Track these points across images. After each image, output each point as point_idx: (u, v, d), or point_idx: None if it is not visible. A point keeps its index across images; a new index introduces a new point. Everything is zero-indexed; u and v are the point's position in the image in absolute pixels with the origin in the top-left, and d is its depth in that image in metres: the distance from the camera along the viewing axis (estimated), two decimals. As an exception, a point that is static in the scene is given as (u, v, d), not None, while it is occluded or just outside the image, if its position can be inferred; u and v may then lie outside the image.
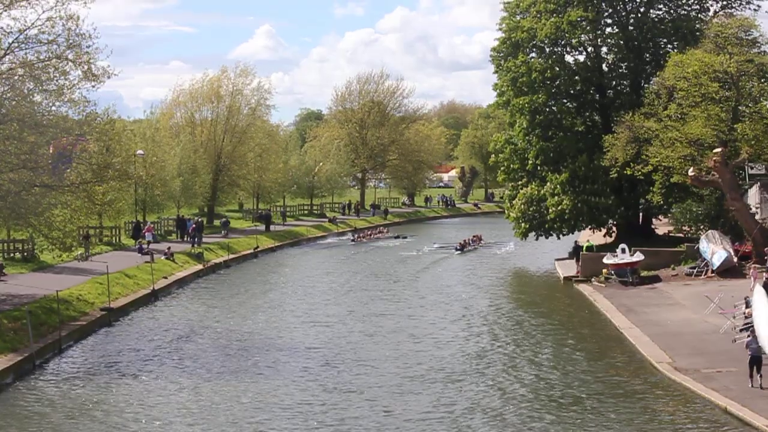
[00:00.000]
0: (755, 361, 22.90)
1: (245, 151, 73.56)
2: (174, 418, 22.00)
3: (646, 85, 52.29)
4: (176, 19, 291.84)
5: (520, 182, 54.23)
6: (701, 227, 46.75)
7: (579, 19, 51.10)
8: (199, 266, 49.18)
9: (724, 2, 52.35)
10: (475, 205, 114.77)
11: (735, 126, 41.87)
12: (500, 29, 54.95)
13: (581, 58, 54.65)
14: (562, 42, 52.81)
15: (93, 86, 33.03)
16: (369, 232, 74.28)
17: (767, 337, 23.47)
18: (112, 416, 22.17)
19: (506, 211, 56.12)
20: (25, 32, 31.77)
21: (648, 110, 44.95)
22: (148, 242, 50.98)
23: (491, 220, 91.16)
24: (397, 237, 72.43)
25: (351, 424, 21.40)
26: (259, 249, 59.98)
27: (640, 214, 54.88)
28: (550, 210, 51.05)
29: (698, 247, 42.41)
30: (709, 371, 24.60)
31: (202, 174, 68.06)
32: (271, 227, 69.48)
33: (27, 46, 32.17)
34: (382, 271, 51.32)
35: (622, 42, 53.54)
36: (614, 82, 55.05)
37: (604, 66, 54.85)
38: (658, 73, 47.58)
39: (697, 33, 48.06)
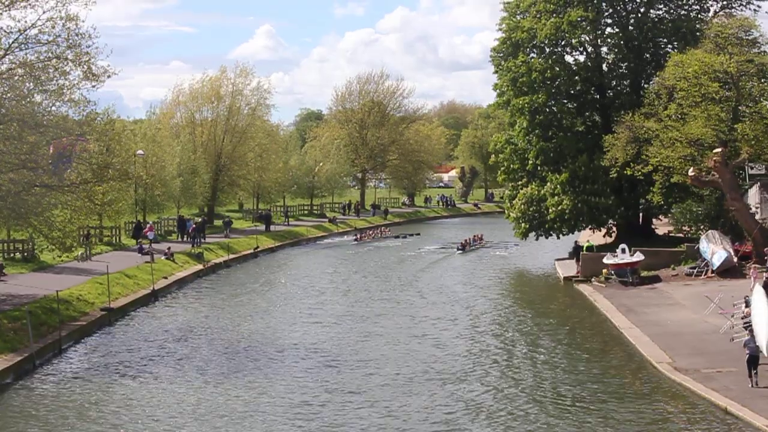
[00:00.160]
0: (753, 360, 22.93)
1: (245, 151, 73.60)
2: (174, 418, 22.00)
3: (646, 85, 52.27)
4: (176, 19, 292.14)
5: (520, 182, 54.23)
6: (701, 227, 46.74)
7: (579, 19, 51.08)
8: (200, 266, 49.20)
9: (724, 2, 52.33)
10: (475, 205, 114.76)
11: (735, 126, 41.87)
12: (500, 29, 55.00)
13: (581, 58, 54.70)
14: (562, 42, 52.81)
15: (93, 86, 33.06)
16: (372, 232, 74.42)
17: (765, 336, 23.51)
18: (112, 416, 22.18)
19: (506, 211, 56.11)
20: (26, 32, 31.80)
21: (648, 110, 44.95)
22: (150, 242, 51.00)
23: (491, 220, 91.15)
24: (403, 236, 72.53)
25: (351, 425, 21.40)
26: (259, 249, 59.99)
27: (640, 214, 54.87)
28: (550, 210, 51.05)
29: (698, 247, 42.40)
30: (709, 371, 24.61)
31: (202, 174, 68.09)
32: (272, 227, 69.52)
33: (27, 47, 32.20)
34: (382, 270, 51.32)
35: (622, 42, 53.53)
36: (614, 82, 55.04)
37: (604, 66, 54.84)
38: (658, 73, 47.56)
39: (698, 33, 48.05)
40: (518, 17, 54.13)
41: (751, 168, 47.68)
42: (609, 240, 52.95)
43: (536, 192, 52.14)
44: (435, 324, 34.27)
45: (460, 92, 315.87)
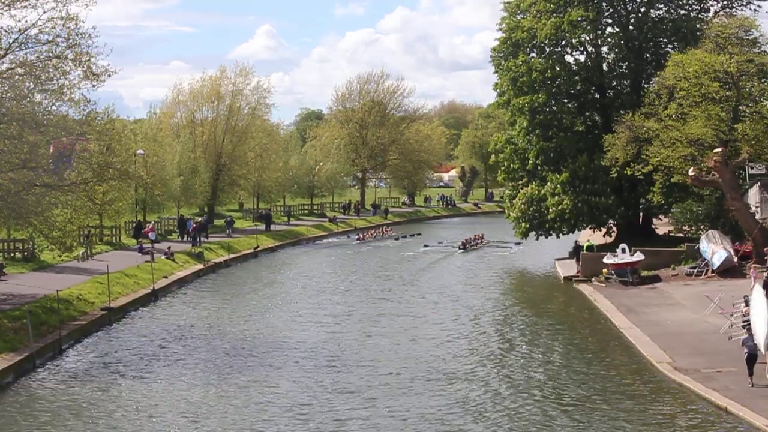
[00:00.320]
0: (751, 359, 22.95)
1: (245, 150, 73.62)
2: (174, 418, 22.00)
3: (646, 85, 52.29)
4: (177, 19, 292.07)
5: (520, 182, 54.24)
6: (701, 227, 46.76)
7: (579, 18, 51.09)
8: (200, 266, 49.19)
9: (725, 2, 52.35)
10: (476, 204, 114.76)
11: (735, 126, 41.88)
12: (500, 29, 55.02)
13: (581, 57, 54.72)
14: (563, 42, 52.83)
15: (93, 86, 33.05)
16: (374, 232, 74.48)
17: (763, 335, 23.54)
18: (112, 416, 22.17)
19: (506, 211, 56.12)
20: (26, 32, 31.80)
21: (648, 110, 44.96)
22: (152, 242, 50.95)
23: (491, 220, 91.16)
24: (403, 236, 72.63)
25: (351, 424, 21.40)
26: (259, 249, 59.98)
27: (641, 213, 54.88)
28: (551, 210, 51.06)
29: (698, 247, 42.41)
30: (709, 371, 24.61)
31: (203, 173, 68.10)
32: (272, 227, 69.53)
33: (27, 46, 32.19)
34: (383, 270, 51.32)
35: (622, 42, 53.55)
36: (614, 82, 55.05)
37: (604, 66, 54.85)
38: (658, 73, 47.56)
39: (698, 33, 48.04)
40: (518, 17, 54.16)
41: (752, 168, 47.64)
42: (609, 240, 52.96)
43: (536, 192, 52.14)
44: (435, 324, 34.26)
45: (461, 92, 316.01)
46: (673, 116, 43.52)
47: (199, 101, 75.70)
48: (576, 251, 47.49)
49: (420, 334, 32.22)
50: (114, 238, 54.12)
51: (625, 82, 54.53)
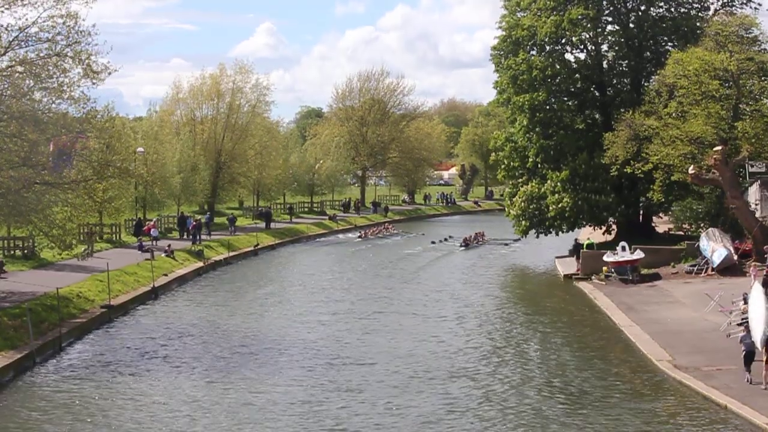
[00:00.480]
0: (749, 356, 22.96)
1: (245, 148, 73.59)
2: (174, 416, 22.00)
3: (646, 83, 52.28)
4: (177, 17, 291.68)
5: (520, 180, 54.23)
6: (701, 225, 46.77)
7: (579, 17, 51.05)
8: (200, 263, 49.22)
9: (725, 0, 52.32)
10: (476, 202, 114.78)
11: (735, 124, 41.87)
12: (500, 27, 54.90)
13: (582, 55, 54.65)
14: (563, 40, 52.78)
15: (93, 84, 32.97)
16: (376, 229, 74.47)
17: (760, 332, 23.55)
18: (111, 414, 22.19)
19: (506, 209, 56.13)
20: (26, 30, 31.76)
21: (648, 108, 44.95)
22: (153, 239, 50.93)
23: (491, 218, 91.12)
24: (413, 234, 72.71)
25: (351, 423, 21.41)
26: (259, 246, 59.99)
27: (641, 212, 54.84)
28: (551, 208, 51.05)
29: (698, 245, 42.42)
30: (709, 369, 24.62)
31: (203, 171, 68.09)
32: (273, 224, 69.53)
33: (27, 44, 32.15)
34: (384, 268, 51.33)
35: (622, 40, 53.50)
36: (615, 80, 54.99)
37: (604, 64, 54.79)
38: (658, 71, 47.55)
39: (698, 31, 48.06)
40: (519, 15, 54.10)
41: (752, 166, 47.64)
42: (609, 238, 52.96)
43: (536, 190, 52.14)
44: (436, 321, 34.28)
45: (461, 90, 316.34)
46: (673, 114, 43.51)
47: (199, 99, 75.74)
48: (576, 249, 47.50)
49: (420, 331, 32.23)
50: (114, 236, 54.13)
51: (625, 80, 54.49)
